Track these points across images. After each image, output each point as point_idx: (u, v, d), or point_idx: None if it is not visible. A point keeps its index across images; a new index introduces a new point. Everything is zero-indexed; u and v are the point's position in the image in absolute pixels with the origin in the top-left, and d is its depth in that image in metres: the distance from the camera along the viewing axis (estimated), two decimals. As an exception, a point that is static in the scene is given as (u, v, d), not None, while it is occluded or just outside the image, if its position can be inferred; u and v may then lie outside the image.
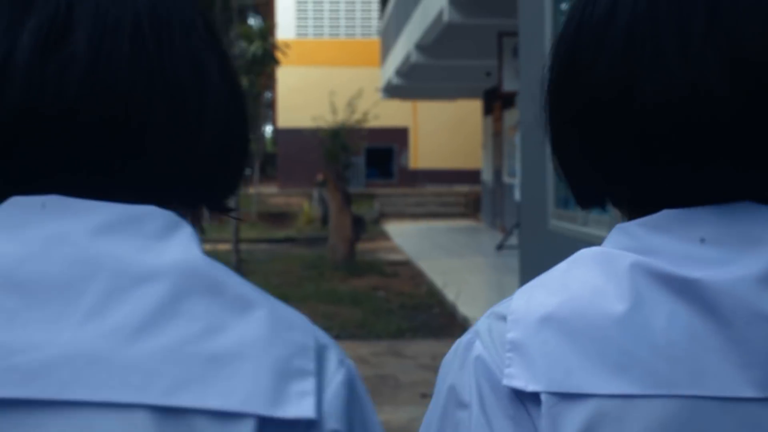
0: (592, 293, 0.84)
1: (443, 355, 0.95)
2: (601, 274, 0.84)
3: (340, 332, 9.63)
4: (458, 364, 0.90)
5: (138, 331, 0.75)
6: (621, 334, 0.80)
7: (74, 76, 0.79)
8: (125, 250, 0.78)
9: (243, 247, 16.88)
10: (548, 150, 0.94)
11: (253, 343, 0.77)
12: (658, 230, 0.85)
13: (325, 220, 20.55)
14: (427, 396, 6.98)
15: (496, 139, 21.44)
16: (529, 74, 6.69)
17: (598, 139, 0.87)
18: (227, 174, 0.91)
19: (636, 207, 0.90)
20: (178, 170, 0.85)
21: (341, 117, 25.38)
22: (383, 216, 26.95)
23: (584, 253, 0.89)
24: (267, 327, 0.78)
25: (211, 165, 0.88)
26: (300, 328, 0.81)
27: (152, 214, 0.82)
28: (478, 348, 0.88)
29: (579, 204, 0.99)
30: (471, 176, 30.29)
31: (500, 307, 0.89)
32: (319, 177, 23.43)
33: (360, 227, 17.06)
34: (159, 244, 0.79)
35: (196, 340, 0.76)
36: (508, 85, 11.83)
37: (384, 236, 21.53)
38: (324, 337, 0.83)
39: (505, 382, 0.84)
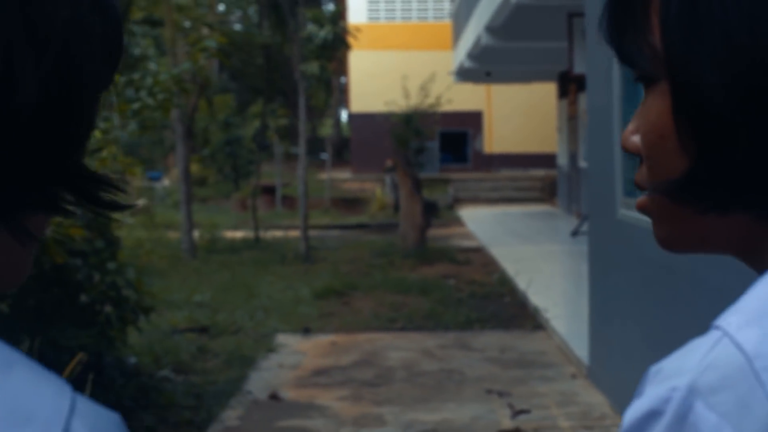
0: None
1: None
2: None
3: (406, 324, 9.45)
4: None
5: None
6: None
7: None
8: None
9: (314, 233, 16.81)
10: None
11: None
12: None
13: (397, 207, 20.37)
14: (492, 392, 6.76)
15: (571, 122, 21.01)
16: (596, 56, 6.38)
17: None
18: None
19: None
20: None
21: (414, 101, 25.19)
22: (457, 201, 26.72)
23: None
24: None
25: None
26: (40, 421, 0.54)
27: None
28: (709, 421, 0.60)
29: None
30: (546, 160, 29.79)
31: (713, 356, 0.62)
32: (389, 163, 23.26)
33: (431, 213, 16.85)
34: None
35: None
36: (579, 67, 11.45)
37: (458, 222, 21.29)
38: (84, 424, 0.55)
39: None
